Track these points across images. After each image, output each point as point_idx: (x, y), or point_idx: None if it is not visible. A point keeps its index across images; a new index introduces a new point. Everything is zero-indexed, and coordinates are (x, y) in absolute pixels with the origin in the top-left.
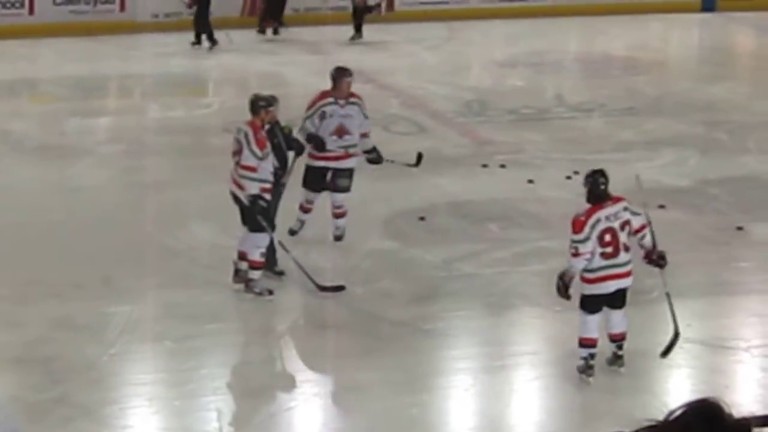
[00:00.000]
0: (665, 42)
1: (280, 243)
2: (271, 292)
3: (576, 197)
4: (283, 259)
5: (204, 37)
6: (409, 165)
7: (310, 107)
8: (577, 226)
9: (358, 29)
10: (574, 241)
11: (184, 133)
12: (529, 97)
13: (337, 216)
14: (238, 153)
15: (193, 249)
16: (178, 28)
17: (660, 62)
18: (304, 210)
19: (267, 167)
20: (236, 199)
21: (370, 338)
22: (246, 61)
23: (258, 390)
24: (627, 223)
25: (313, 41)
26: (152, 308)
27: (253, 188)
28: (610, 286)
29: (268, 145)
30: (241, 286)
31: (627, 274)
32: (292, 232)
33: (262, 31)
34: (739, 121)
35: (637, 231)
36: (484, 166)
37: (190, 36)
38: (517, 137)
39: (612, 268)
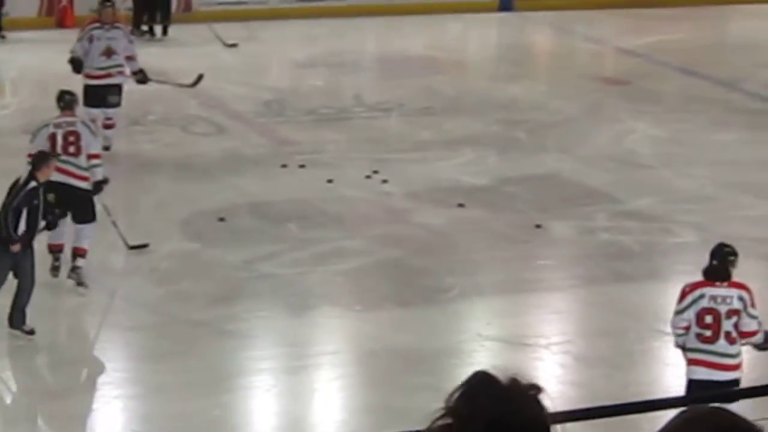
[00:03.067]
0: (463, 41)
1: (105, 206)
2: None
3: (375, 196)
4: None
5: None
6: (185, 85)
7: (80, 32)
8: (680, 295)
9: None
10: (674, 312)
11: None
12: (328, 97)
13: (107, 127)
14: (74, 144)
15: None
16: None
17: (458, 62)
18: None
19: None
20: (66, 192)
21: (170, 340)
22: (43, 62)
23: (58, 392)
24: (736, 313)
25: None
26: None
27: (100, 174)
28: (699, 373)
29: None
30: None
31: (725, 367)
32: (106, 148)
33: (144, 32)
34: (537, 120)
35: (746, 335)
36: (284, 166)
37: None
38: (317, 137)
39: (706, 354)
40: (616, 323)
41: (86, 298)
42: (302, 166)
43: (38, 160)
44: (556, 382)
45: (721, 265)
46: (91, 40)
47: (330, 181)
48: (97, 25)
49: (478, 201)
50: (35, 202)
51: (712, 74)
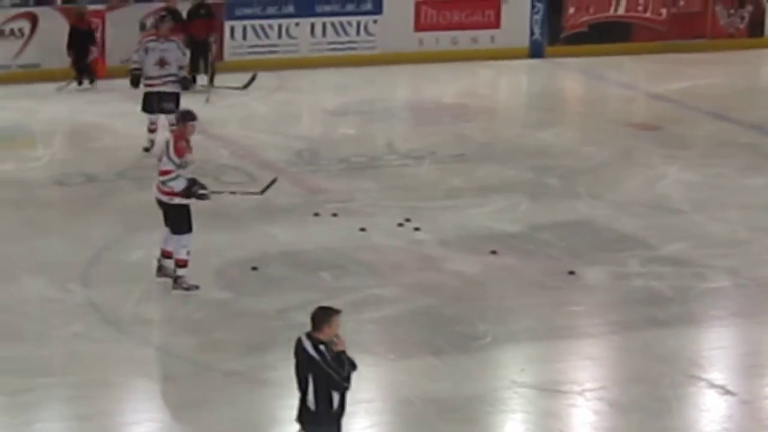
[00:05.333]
0: (494, 89)
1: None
2: (197, 287)
3: (407, 244)
4: None
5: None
6: (236, 88)
7: (138, 43)
8: None
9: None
10: None
11: (12, 187)
12: (359, 146)
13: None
14: (160, 161)
15: (24, 303)
16: (5, 81)
17: (489, 109)
18: (151, 130)
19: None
20: (159, 203)
21: (203, 390)
22: (74, 113)
23: None
24: None
25: (139, 92)
26: None
27: (182, 183)
28: None
29: (188, 156)
30: (164, 279)
31: None
32: (146, 149)
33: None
34: (569, 166)
35: None
36: (316, 214)
37: (18, 89)
38: (349, 185)
39: None
40: (650, 369)
41: (120, 348)
42: (335, 215)
43: (320, 319)
44: (590, 429)
45: None
46: (146, 51)
47: (362, 229)
48: (153, 38)
49: (511, 248)
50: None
51: (744, 119)
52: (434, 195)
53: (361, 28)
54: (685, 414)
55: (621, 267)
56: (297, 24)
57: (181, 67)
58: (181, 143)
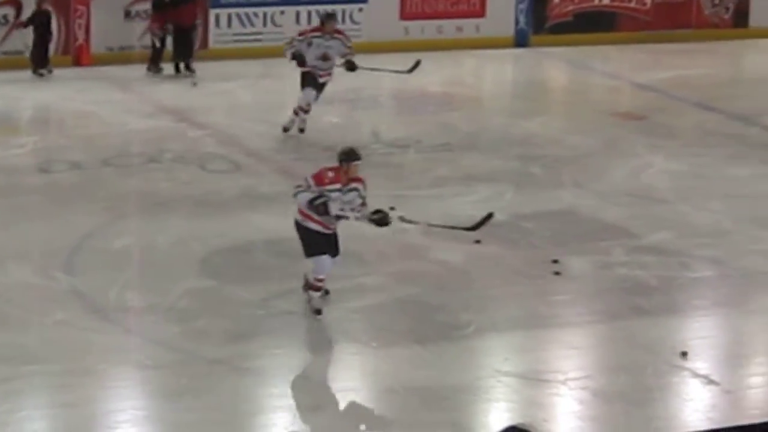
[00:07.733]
0: (479, 78)
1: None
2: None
3: (393, 233)
4: None
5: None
6: (401, 72)
7: (301, 34)
8: None
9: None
10: None
11: None
12: (345, 134)
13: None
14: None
15: (9, 290)
16: None
17: (474, 98)
18: (305, 111)
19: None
20: (319, 234)
21: (188, 378)
22: (59, 100)
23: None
24: None
25: (124, 79)
26: None
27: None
28: None
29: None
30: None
31: None
32: (285, 129)
33: (160, 69)
34: (554, 156)
35: None
36: None
37: (1, 76)
38: None
39: None
40: (634, 358)
41: (104, 336)
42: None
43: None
44: (574, 418)
45: None
46: (309, 44)
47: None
48: (319, 34)
49: (495, 237)
50: None
51: (729, 109)
52: (419, 184)
53: (347, 16)
54: (668, 403)
55: (605, 256)
56: (282, 12)
57: (343, 55)
58: (325, 172)
